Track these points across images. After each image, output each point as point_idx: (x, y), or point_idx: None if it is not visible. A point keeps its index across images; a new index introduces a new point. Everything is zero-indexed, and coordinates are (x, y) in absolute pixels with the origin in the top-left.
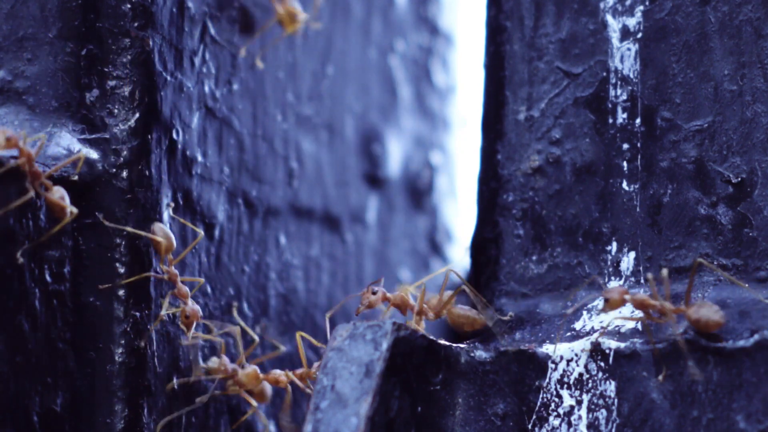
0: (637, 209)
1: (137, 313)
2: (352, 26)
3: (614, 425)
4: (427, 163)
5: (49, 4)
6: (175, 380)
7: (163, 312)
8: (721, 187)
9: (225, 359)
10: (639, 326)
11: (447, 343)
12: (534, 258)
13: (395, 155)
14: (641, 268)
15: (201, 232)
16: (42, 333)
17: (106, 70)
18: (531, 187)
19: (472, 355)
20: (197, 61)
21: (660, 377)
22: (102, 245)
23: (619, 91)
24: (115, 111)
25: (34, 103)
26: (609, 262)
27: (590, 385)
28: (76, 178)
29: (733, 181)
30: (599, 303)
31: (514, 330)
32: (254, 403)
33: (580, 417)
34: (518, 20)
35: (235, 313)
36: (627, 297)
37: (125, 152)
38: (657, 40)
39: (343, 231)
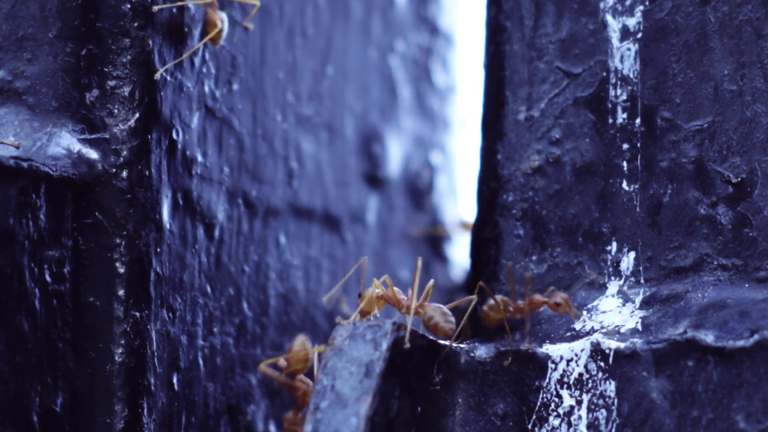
0: (637, 209)
1: (137, 313)
2: (352, 26)
3: (614, 425)
4: (427, 163)
5: (49, 4)
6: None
7: None
8: (721, 187)
9: None
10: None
11: (447, 343)
12: (534, 258)
13: (395, 155)
14: (641, 268)
15: None
16: (42, 333)
17: (106, 70)
18: (531, 187)
19: (472, 355)
20: (197, 61)
21: None
22: (102, 245)
23: (619, 91)
24: (115, 111)
25: (34, 103)
26: (609, 262)
27: (590, 385)
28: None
29: (733, 181)
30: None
31: (514, 330)
32: None
33: (580, 417)
34: (518, 20)
35: None
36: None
37: (125, 152)
38: (657, 40)
39: (343, 231)
